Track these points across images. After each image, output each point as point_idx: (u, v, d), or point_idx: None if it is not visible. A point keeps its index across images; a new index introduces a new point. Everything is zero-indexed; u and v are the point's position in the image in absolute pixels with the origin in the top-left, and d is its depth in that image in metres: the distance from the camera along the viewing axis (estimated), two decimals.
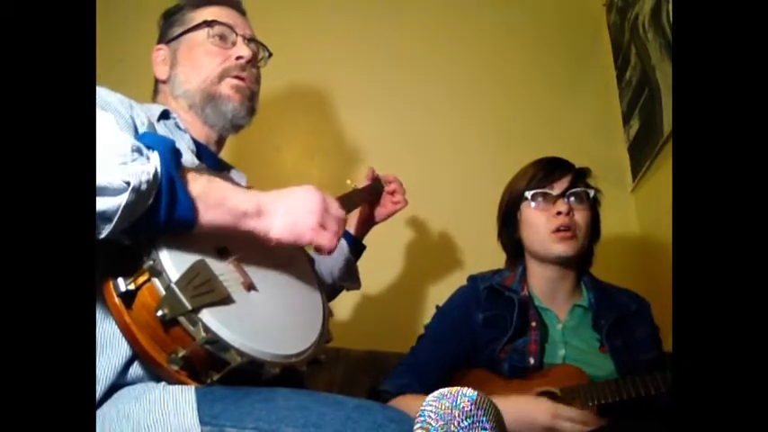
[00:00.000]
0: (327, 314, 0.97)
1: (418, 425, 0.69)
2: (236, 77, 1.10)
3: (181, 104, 1.09)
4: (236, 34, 1.12)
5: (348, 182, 1.35)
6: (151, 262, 0.72)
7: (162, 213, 0.71)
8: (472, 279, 1.35)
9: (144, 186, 0.68)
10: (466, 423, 0.68)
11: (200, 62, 1.09)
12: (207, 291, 0.75)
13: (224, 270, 0.81)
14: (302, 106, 2.05)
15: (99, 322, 0.78)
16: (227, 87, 1.09)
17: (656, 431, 1.01)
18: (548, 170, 1.28)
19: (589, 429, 1.03)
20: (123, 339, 0.76)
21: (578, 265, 1.31)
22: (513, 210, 1.32)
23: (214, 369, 0.75)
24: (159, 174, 0.71)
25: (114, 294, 0.73)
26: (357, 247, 1.39)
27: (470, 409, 0.68)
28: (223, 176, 0.95)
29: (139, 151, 0.71)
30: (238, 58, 1.10)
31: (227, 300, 0.77)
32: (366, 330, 1.78)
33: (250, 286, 0.84)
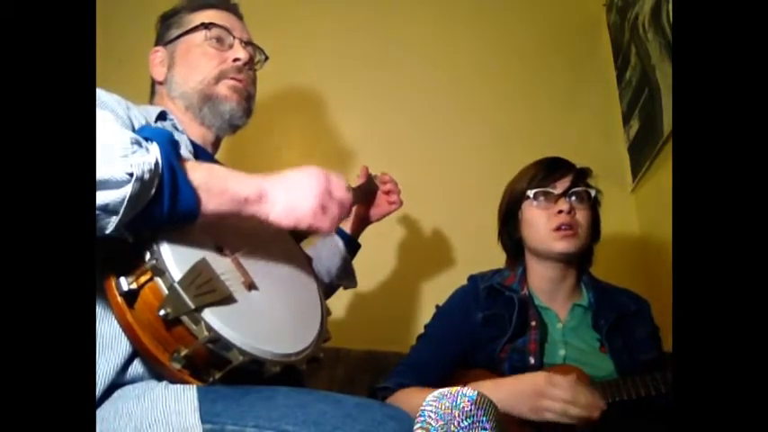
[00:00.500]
0: (325, 313, 0.98)
1: (418, 425, 0.70)
2: (233, 79, 1.11)
3: (178, 106, 1.10)
4: (234, 37, 1.14)
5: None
6: (153, 261, 0.73)
7: (165, 204, 0.72)
8: (472, 279, 1.36)
9: (147, 176, 0.68)
10: (466, 423, 0.68)
11: (197, 64, 1.10)
12: (209, 290, 0.75)
13: (225, 269, 0.81)
14: (301, 107, 2.05)
15: (99, 321, 0.78)
16: (224, 88, 1.10)
17: (656, 431, 1.02)
18: (549, 170, 1.29)
19: (577, 410, 1.02)
20: (123, 338, 0.77)
21: (578, 264, 1.31)
22: (514, 209, 1.32)
23: (216, 368, 0.75)
24: (160, 164, 0.71)
25: (116, 293, 0.74)
26: (353, 246, 1.39)
27: (470, 409, 0.69)
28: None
29: (139, 143, 0.71)
30: (235, 60, 1.11)
31: (228, 299, 0.78)
32: (366, 330, 1.78)
33: (251, 285, 0.84)
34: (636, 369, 1.16)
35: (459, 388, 0.71)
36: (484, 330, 1.25)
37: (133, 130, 0.91)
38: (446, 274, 1.85)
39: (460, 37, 2.11)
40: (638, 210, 1.90)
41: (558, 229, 1.23)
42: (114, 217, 0.67)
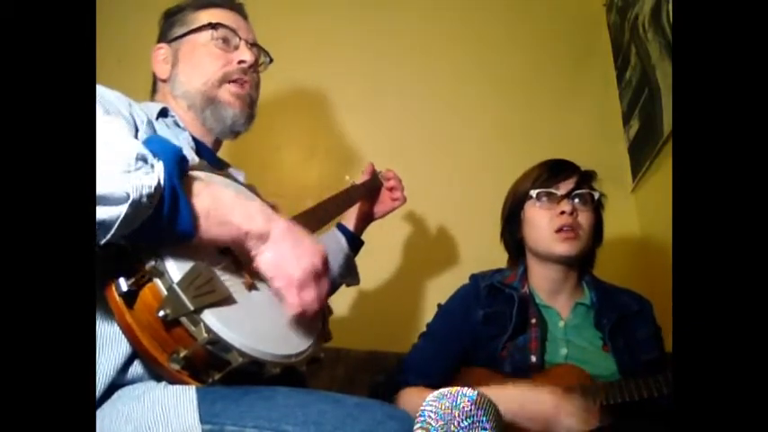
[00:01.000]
0: (327, 313, 0.97)
1: (418, 425, 0.70)
2: (237, 82, 1.10)
3: (180, 104, 1.10)
4: (240, 38, 1.13)
5: (347, 178, 1.36)
6: (153, 262, 0.72)
7: (162, 225, 0.71)
8: (473, 278, 1.36)
9: (144, 199, 0.67)
10: (466, 423, 0.68)
11: (201, 63, 1.09)
12: (209, 291, 0.75)
13: (225, 269, 0.81)
14: (302, 106, 2.05)
15: (99, 322, 0.78)
16: (227, 93, 1.09)
17: (657, 431, 1.02)
18: (553, 171, 1.29)
19: (590, 426, 1.03)
20: (123, 339, 0.76)
21: (580, 266, 1.31)
22: (516, 209, 1.33)
23: (215, 369, 0.75)
24: (162, 185, 0.70)
25: (116, 294, 0.73)
26: (355, 243, 1.39)
27: (470, 409, 0.69)
28: (223, 174, 0.95)
29: (144, 159, 0.70)
30: (241, 62, 1.10)
31: (228, 300, 0.77)
32: (366, 330, 1.78)
33: (251, 286, 0.84)
34: (638, 369, 1.16)
35: (459, 388, 0.71)
36: (484, 328, 1.25)
37: (136, 129, 0.91)
38: (450, 274, 1.85)
39: (462, 36, 2.12)
40: (638, 210, 1.90)
41: (560, 230, 1.23)
42: (107, 233, 0.66)
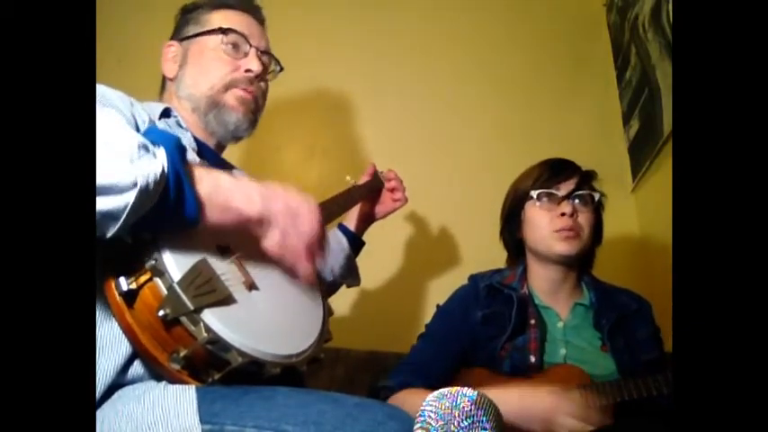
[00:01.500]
0: (327, 313, 0.97)
1: (418, 425, 0.69)
2: (243, 89, 1.09)
3: (184, 106, 1.09)
4: (250, 45, 1.11)
5: (348, 178, 1.35)
6: (153, 261, 0.73)
7: (168, 211, 0.71)
8: (473, 278, 1.36)
9: (151, 185, 0.68)
10: (466, 423, 0.68)
11: (208, 68, 1.08)
12: (209, 291, 0.75)
13: (226, 269, 0.81)
14: (302, 106, 2.05)
15: (99, 321, 0.78)
16: (232, 98, 1.08)
17: (657, 431, 1.01)
18: (554, 171, 1.29)
19: (590, 426, 1.03)
20: (124, 339, 0.76)
21: (579, 266, 1.31)
22: (516, 208, 1.32)
23: (215, 369, 0.75)
24: (166, 171, 0.71)
25: (116, 293, 0.73)
26: (356, 243, 1.39)
27: (470, 409, 0.69)
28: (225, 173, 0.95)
29: (146, 148, 0.71)
30: (247, 71, 1.09)
31: (228, 299, 0.78)
32: (366, 330, 1.78)
33: (251, 285, 0.84)
34: (637, 369, 1.16)
35: (459, 388, 0.71)
36: (484, 329, 1.25)
37: (137, 129, 0.91)
38: (450, 274, 1.85)
39: (462, 36, 2.12)
40: (638, 210, 1.90)
41: (560, 230, 1.23)
42: (115, 223, 0.67)
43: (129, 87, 0.99)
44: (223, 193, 0.78)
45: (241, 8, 1.15)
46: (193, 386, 0.75)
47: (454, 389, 0.71)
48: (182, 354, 0.73)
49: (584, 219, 1.26)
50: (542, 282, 1.30)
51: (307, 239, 0.86)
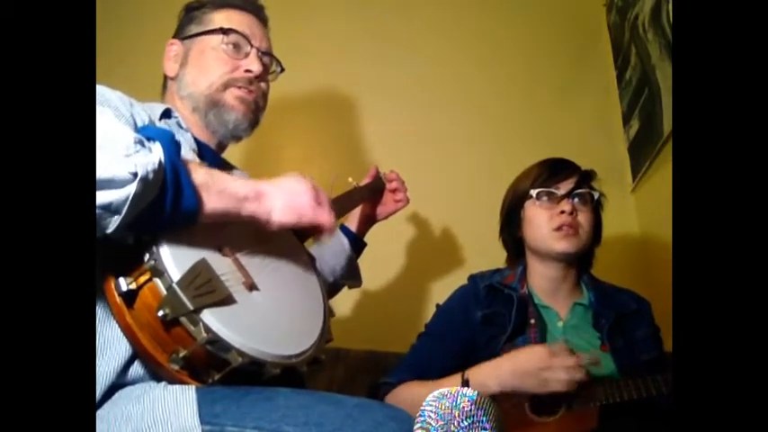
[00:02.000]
0: (328, 313, 0.97)
1: (418, 425, 0.70)
2: (242, 89, 1.09)
3: (185, 105, 1.09)
4: (251, 46, 1.11)
5: (350, 179, 1.35)
6: (153, 262, 0.73)
7: (168, 203, 0.72)
8: (472, 278, 1.36)
9: (151, 176, 0.68)
10: (466, 423, 0.68)
11: (208, 67, 1.09)
12: (208, 291, 0.75)
13: (225, 269, 0.81)
14: (302, 107, 2.05)
15: (99, 322, 0.78)
16: (231, 97, 1.08)
17: (657, 431, 1.01)
18: (553, 170, 1.29)
19: (582, 376, 1.06)
20: (124, 339, 0.76)
21: (578, 265, 1.31)
22: (516, 208, 1.33)
23: (215, 369, 0.75)
24: (163, 163, 0.71)
25: (115, 294, 0.73)
26: (358, 245, 1.39)
27: (470, 409, 0.69)
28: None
29: (141, 143, 0.71)
30: (247, 71, 1.09)
31: (228, 300, 0.78)
32: (366, 330, 1.78)
33: (251, 286, 0.84)
34: (637, 369, 1.17)
35: (459, 388, 0.71)
36: (484, 329, 1.25)
37: (135, 129, 0.91)
38: (451, 274, 1.85)
39: (462, 37, 2.11)
40: (638, 210, 1.90)
41: (560, 228, 1.24)
42: (116, 216, 0.67)
43: (130, 87, 0.99)
44: (217, 178, 0.80)
45: (244, 8, 1.15)
46: (193, 387, 0.75)
47: (454, 389, 0.71)
48: (181, 354, 0.73)
49: (583, 217, 1.26)
50: (542, 280, 1.30)
51: (309, 199, 0.90)
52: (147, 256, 0.73)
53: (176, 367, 0.74)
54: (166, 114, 1.04)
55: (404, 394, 1.17)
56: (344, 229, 1.38)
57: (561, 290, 1.30)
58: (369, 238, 1.44)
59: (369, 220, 1.43)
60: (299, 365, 0.83)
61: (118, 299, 0.73)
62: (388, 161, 1.57)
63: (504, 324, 1.23)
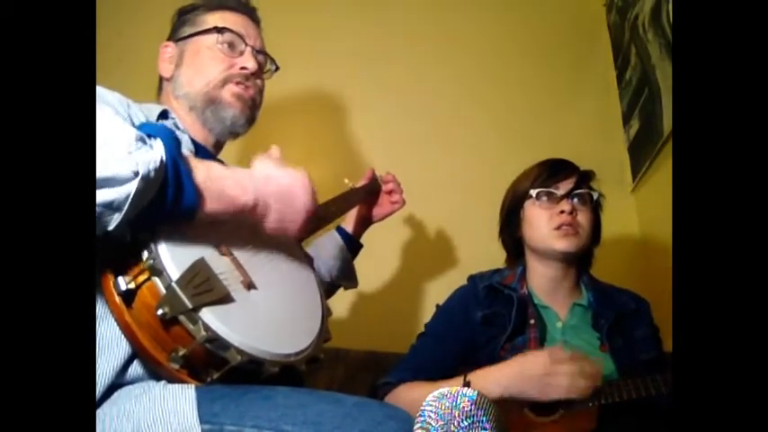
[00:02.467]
0: (326, 313, 0.98)
1: (418, 425, 0.70)
2: (239, 85, 1.10)
3: (181, 105, 1.10)
4: (246, 44, 1.12)
5: (346, 181, 1.36)
6: (151, 261, 0.73)
7: (169, 201, 0.72)
8: (472, 278, 1.36)
9: (152, 174, 0.69)
10: (466, 423, 0.68)
11: (204, 66, 1.09)
12: (207, 289, 0.75)
13: (224, 268, 0.81)
14: (302, 106, 2.05)
15: (99, 321, 0.78)
16: (228, 94, 1.09)
17: (657, 431, 1.01)
18: (553, 170, 1.30)
19: (585, 382, 1.06)
20: (122, 340, 0.76)
21: (578, 265, 1.32)
22: (516, 208, 1.33)
23: (214, 367, 0.75)
24: (165, 161, 0.71)
25: (114, 293, 0.73)
26: (354, 246, 1.39)
27: (470, 409, 0.69)
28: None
29: (143, 140, 0.72)
30: (243, 68, 1.10)
31: (226, 298, 0.78)
32: (366, 330, 1.78)
33: (250, 285, 0.84)
34: (637, 369, 1.17)
35: (459, 388, 0.71)
36: (483, 329, 1.25)
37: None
38: (449, 275, 1.85)
39: (462, 37, 2.11)
40: (638, 210, 1.90)
41: (559, 228, 1.24)
42: (117, 214, 0.67)
43: (129, 88, 0.99)
44: (216, 181, 0.80)
45: (237, 9, 1.16)
46: (193, 385, 0.75)
47: (454, 389, 0.71)
48: (180, 353, 0.73)
49: (583, 217, 1.26)
50: (542, 280, 1.30)
51: (303, 214, 0.90)
52: (145, 255, 0.73)
53: (176, 366, 0.74)
54: (163, 115, 1.05)
55: (404, 394, 1.17)
56: (341, 231, 1.39)
57: (561, 290, 1.30)
58: (369, 238, 1.44)
59: (365, 222, 1.43)
60: (297, 364, 0.83)
61: (117, 298, 0.73)
62: (385, 162, 1.57)
63: (503, 324, 1.24)
